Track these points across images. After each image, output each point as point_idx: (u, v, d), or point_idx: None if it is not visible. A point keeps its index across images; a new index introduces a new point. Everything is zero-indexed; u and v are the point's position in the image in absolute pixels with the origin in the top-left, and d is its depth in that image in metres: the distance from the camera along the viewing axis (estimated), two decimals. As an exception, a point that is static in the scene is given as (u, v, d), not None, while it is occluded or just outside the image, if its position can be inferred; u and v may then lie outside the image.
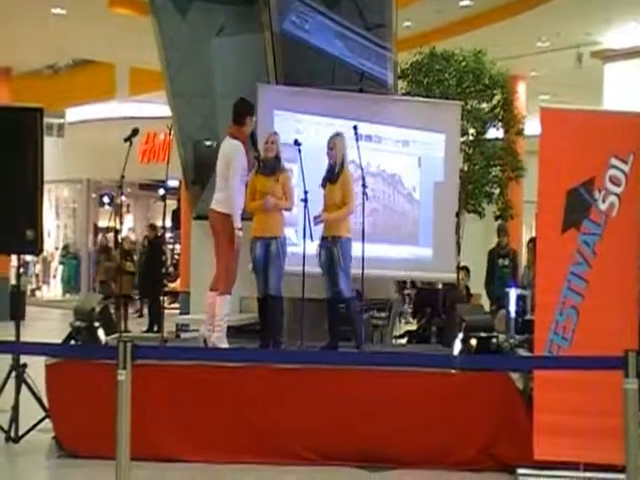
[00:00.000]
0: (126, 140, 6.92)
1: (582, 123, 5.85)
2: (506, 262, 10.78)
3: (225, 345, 6.48)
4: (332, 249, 6.89)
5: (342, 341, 7.23)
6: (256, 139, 6.91)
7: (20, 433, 6.33)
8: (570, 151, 5.72)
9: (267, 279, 6.82)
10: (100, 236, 18.54)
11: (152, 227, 16.24)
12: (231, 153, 6.59)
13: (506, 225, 11.48)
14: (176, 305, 17.18)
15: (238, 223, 6.51)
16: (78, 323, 6.68)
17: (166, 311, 7.33)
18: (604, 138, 5.76)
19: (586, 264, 5.65)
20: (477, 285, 11.44)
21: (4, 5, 13.29)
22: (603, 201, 5.72)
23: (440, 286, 10.63)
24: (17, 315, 7.20)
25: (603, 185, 5.72)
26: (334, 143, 7.03)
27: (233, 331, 7.30)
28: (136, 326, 14.01)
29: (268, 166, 6.88)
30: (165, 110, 11.04)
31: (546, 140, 5.81)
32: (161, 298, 10.25)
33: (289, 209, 6.95)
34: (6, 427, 6.30)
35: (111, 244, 18.41)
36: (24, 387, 6.41)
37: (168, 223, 18.53)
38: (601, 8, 13.23)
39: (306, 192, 6.90)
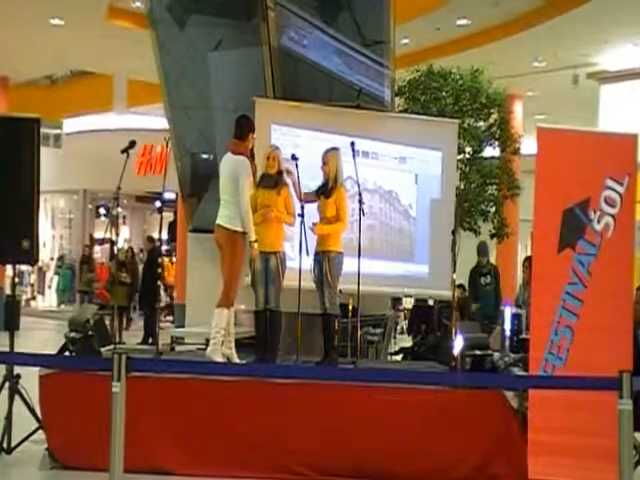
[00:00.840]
0: (123, 152, 6.92)
1: (578, 143, 5.89)
2: (488, 280, 10.84)
3: (220, 359, 6.46)
4: (322, 263, 6.90)
5: (338, 356, 7.23)
6: (253, 153, 6.90)
7: (13, 444, 6.28)
8: (566, 171, 5.76)
9: (267, 293, 6.81)
10: (83, 247, 18.67)
11: (150, 239, 16.23)
12: (239, 169, 6.54)
13: (487, 244, 11.51)
14: (170, 318, 17.14)
15: (252, 236, 6.52)
16: (73, 334, 6.67)
17: (161, 324, 7.29)
18: (600, 159, 5.80)
19: (581, 284, 5.68)
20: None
21: (2, 15, 13.34)
22: (598, 222, 5.76)
23: (432, 302, 10.66)
24: (11, 325, 7.20)
25: (598, 206, 5.76)
26: (327, 158, 7.03)
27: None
28: (131, 338, 13.96)
29: (270, 179, 6.88)
30: (162, 122, 11.07)
31: (542, 160, 5.84)
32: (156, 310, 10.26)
33: (291, 224, 6.93)
34: (-1, 438, 6.27)
35: (95, 255, 18.56)
36: (17, 398, 6.38)
37: (164, 235, 18.50)
38: (598, 30, 13.34)
39: (302, 207, 6.91)
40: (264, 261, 6.76)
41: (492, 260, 16.63)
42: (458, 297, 10.32)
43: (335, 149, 7.15)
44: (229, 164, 6.66)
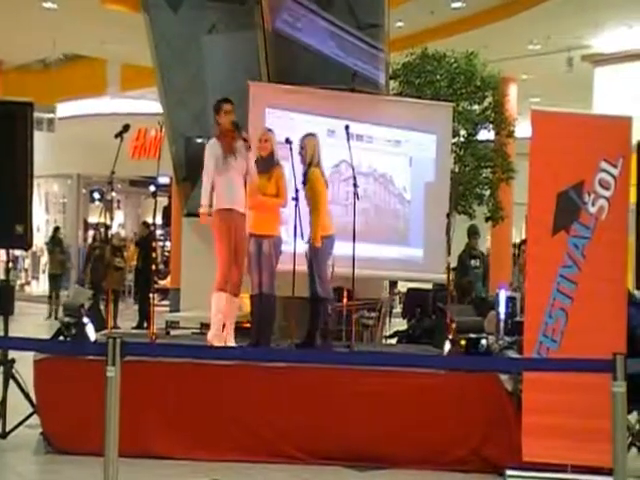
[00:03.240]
0: (117, 136, 6.89)
1: (572, 126, 5.88)
2: (477, 263, 10.91)
3: (220, 343, 6.46)
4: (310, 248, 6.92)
5: (333, 340, 7.24)
6: (239, 127, 6.78)
7: (8, 429, 6.30)
8: (560, 154, 5.75)
9: (260, 278, 6.80)
10: (53, 228, 18.51)
11: (145, 224, 16.21)
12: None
13: (478, 228, 11.57)
14: (166, 302, 17.14)
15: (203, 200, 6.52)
16: (67, 319, 6.66)
17: (156, 308, 7.28)
18: (594, 141, 5.79)
19: (575, 267, 5.68)
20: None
21: (-5, -1, 13.26)
22: (593, 204, 5.75)
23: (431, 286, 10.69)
24: (6, 310, 7.17)
25: (593, 188, 5.75)
26: (304, 143, 7.01)
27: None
28: (126, 322, 13.97)
29: (262, 164, 6.85)
30: (156, 106, 11.04)
31: (537, 142, 5.83)
32: (150, 295, 10.24)
33: (283, 205, 6.91)
34: (-6, 423, 6.28)
35: (64, 237, 18.52)
36: (12, 382, 6.38)
37: (159, 220, 18.46)
38: (592, 12, 13.31)
39: (297, 190, 6.89)
40: (257, 245, 6.76)
41: (487, 243, 16.70)
42: (458, 280, 10.37)
43: (312, 134, 7.12)
44: None
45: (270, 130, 7.08)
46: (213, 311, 6.55)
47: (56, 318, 15.68)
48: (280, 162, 6.94)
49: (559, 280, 5.66)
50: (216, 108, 6.71)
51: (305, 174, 6.98)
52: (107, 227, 11.55)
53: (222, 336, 6.55)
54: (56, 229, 18.32)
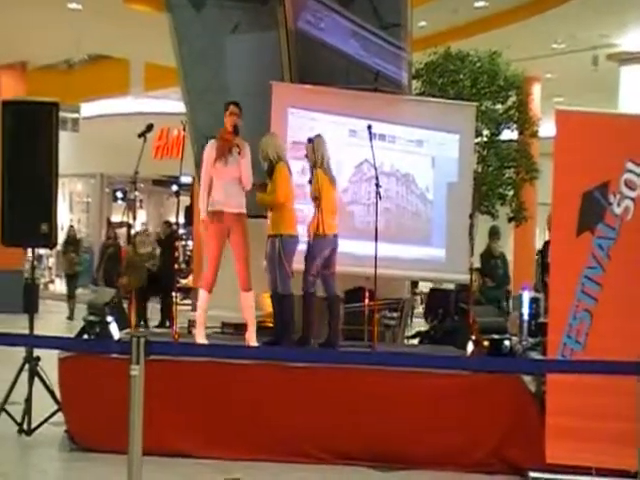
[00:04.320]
0: (140, 135, 6.91)
1: (598, 126, 5.83)
2: (499, 263, 10.87)
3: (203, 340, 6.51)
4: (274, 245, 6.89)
5: (353, 340, 7.23)
6: (238, 130, 6.77)
7: (33, 426, 6.36)
8: (585, 154, 5.71)
9: (273, 276, 6.81)
10: (67, 228, 18.27)
11: (167, 224, 16.26)
12: None
13: (499, 228, 11.52)
14: (187, 301, 17.20)
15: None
16: (91, 317, 6.71)
17: (178, 307, 7.31)
18: (620, 141, 5.74)
19: (600, 268, 5.64)
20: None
21: (21, 0, 13.35)
22: (618, 205, 5.70)
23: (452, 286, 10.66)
24: (31, 308, 7.24)
25: (618, 189, 5.70)
26: (310, 145, 7.00)
27: (244, 328, 7.31)
28: (148, 321, 14.01)
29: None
30: (179, 106, 11.06)
31: (561, 143, 5.79)
32: (173, 294, 10.27)
33: (277, 200, 6.74)
34: (19, 419, 6.33)
35: (79, 236, 18.32)
36: (37, 380, 6.44)
37: (181, 219, 18.54)
38: (617, 10, 13.19)
39: (320, 190, 6.88)
40: (269, 244, 6.77)
41: (510, 243, 16.62)
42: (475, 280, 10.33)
43: (318, 136, 7.10)
44: None
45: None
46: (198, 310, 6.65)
47: (70, 318, 15.69)
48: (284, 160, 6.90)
49: (583, 281, 5.62)
50: (224, 108, 6.73)
51: (311, 173, 6.97)
52: (129, 226, 11.58)
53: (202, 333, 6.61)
54: (70, 228, 18.15)
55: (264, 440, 5.97)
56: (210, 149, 6.61)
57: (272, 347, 6.46)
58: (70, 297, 16.49)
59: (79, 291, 16.92)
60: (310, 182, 6.97)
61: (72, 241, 16.84)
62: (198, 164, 10.69)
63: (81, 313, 15.33)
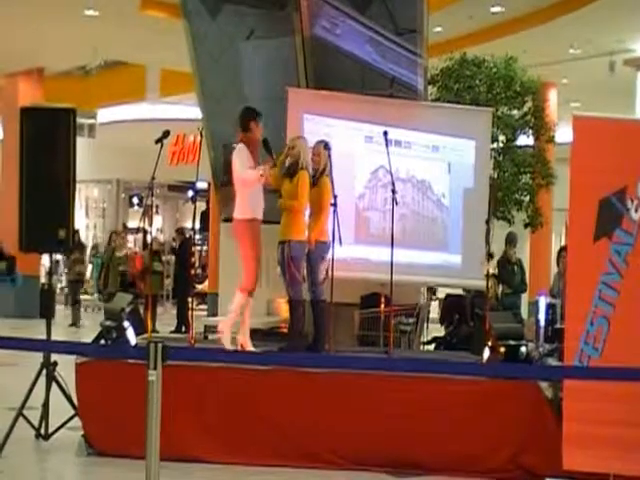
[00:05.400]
0: (157, 142, 6.95)
1: (615, 131, 5.80)
2: (516, 270, 10.88)
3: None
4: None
5: (369, 346, 7.22)
6: (269, 145, 6.84)
7: (50, 431, 6.40)
8: (602, 160, 5.68)
9: (286, 283, 6.83)
10: (91, 235, 17.93)
11: (179, 231, 16.30)
12: (235, 158, 6.72)
13: (516, 235, 11.50)
14: (203, 306, 17.25)
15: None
16: (108, 323, 6.74)
17: (193, 313, 7.34)
18: (637, 147, 5.71)
19: (617, 274, 5.60)
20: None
21: (37, 6, 13.45)
22: (636, 210, 5.67)
23: (464, 292, 10.65)
24: (48, 313, 7.27)
25: (636, 194, 5.67)
26: (318, 151, 7.01)
27: (261, 334, 7.34)
28: (164, 327, 14.07)
29: (288, 168, 6.90)
30: (195, 112, 11.11)
31: (578, 148, 5.77)
32: (189, 299, 10.31)
33: (298, 209, 6.81)
34: (36, 424, 6.36)
35: (94, 241, 18.12)
36: (54, 385, 6.47)
37: (197, 225, 18.60)
38: (634, 15, 13.13)
39: (335, 196, 6.89)
40: (279, 250, 6.78)
41: (526, 249, 16.56)
42: (491, 287, 10.31)
43: (324, 141, 7.12)
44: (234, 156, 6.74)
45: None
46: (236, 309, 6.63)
47: (73, 325, 15.39)
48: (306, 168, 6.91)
49: (601, 287, 5.58)
50: (253, 116, 6.77)
51: (314, 177, 6.97)
52: (145, 232, 11.63)
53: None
54: (74, 233, 17.81)
55: (280, 445, 5.98)
56: (244, 154, 6.67)
57: (287, 353, 6.47)
58: (74, 303, 16.10)
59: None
60: (312, 186, 6.92)
61: (76, 246, 16.52)
62: (215, 170, 10.75)
63: (86, 319, 15.27)
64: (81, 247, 16.80)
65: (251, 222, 6.66)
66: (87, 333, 13.59)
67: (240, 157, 6.69)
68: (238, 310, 6.69)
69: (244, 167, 6.65)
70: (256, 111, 6.92)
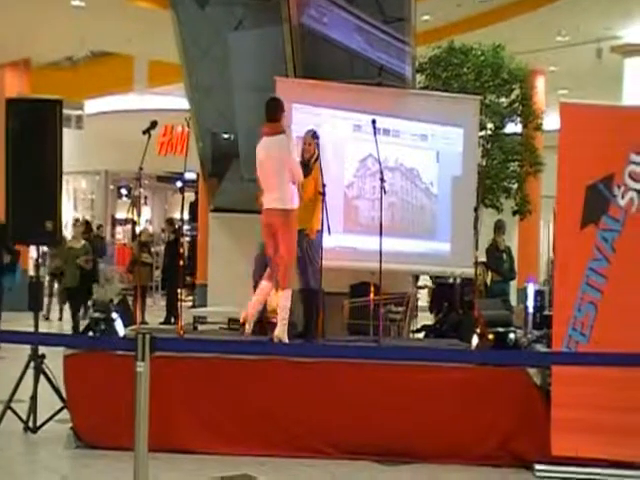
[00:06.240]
0: (145, 132, 6.92)
1: (602, 118, 5.82)
2: (504, 257, 10.88)
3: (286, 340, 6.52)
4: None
5: (358, 334, 7.22)
6: (317, 134, 6.84)
7: (38, 423, 6.37)
8: (589, 147, 5.70)
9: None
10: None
11: (170, 222, 16.24)
12: (283, 149, 6.50)
13: (504, 223, 11.49)
14: (190, 298, 17.22)
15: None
16: (96, 314, 6.72)
17: (183, 304, 7.32)
18: (624, 133, 5.72)
19: (605, 260, 5.63)
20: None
21: (24, -3, 13.36)
22: (622, 197, 5.69)
23: (452, 280, 10.67)
24: (35, 306, 7.25)
25: (622, 181, 5.69)
26: (310, 140, 7.02)
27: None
28: (153, 318, 14.05)
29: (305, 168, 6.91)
30: (183, 103, 11.08)
31: (565, 135, 5.78)
32: (178, 291, 10.29)
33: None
34: (24, 417, 6.34)
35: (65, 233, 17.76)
36: (42, 377, 6.45)
37: (186, 215, 18.54)
38: (621, 2, 13.15)
39: (324, 185, 6.88)
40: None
41: (515, 237, 16.60)
42: (480, 274, 10.33)
43: (310, 131, 7.13)
44: (273, 147, 6.52)
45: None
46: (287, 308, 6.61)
47: (47, 318, 14.92)
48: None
49: (588, 274, 5.61)
50: (282, 106, 6.68)
51: (307, 166, 6.96)
52: (134, 223, 11.57)
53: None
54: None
55: (270, 435, 5.98)
56: (294, 146, 6.65)
57: (275, 343, 6.46)
58: (52, 295, 15.56)
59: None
60: (306, 176, 6.91)
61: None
62: (203, 161, 10.73)
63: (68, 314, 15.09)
64: (62, 239, 16.30)
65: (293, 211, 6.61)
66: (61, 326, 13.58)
67: (291, 149, 6.54)
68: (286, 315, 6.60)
69: (297, 160, 6.60)
70: (281, 100, 6.87)
